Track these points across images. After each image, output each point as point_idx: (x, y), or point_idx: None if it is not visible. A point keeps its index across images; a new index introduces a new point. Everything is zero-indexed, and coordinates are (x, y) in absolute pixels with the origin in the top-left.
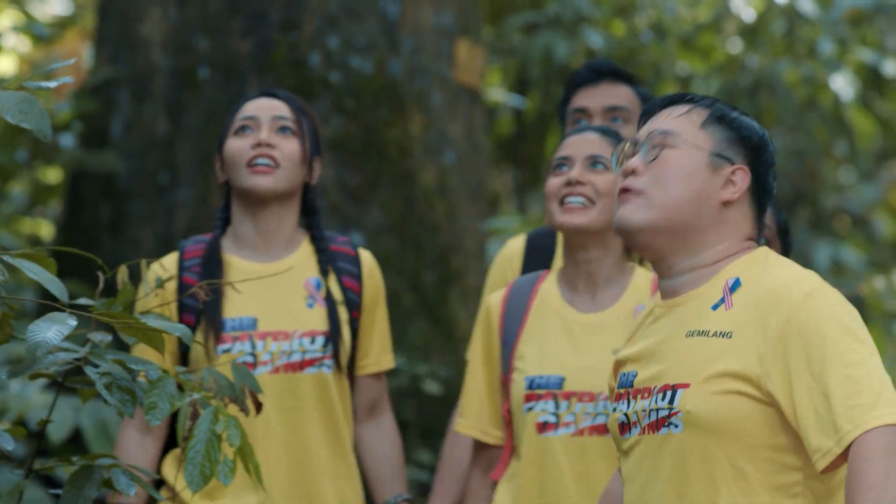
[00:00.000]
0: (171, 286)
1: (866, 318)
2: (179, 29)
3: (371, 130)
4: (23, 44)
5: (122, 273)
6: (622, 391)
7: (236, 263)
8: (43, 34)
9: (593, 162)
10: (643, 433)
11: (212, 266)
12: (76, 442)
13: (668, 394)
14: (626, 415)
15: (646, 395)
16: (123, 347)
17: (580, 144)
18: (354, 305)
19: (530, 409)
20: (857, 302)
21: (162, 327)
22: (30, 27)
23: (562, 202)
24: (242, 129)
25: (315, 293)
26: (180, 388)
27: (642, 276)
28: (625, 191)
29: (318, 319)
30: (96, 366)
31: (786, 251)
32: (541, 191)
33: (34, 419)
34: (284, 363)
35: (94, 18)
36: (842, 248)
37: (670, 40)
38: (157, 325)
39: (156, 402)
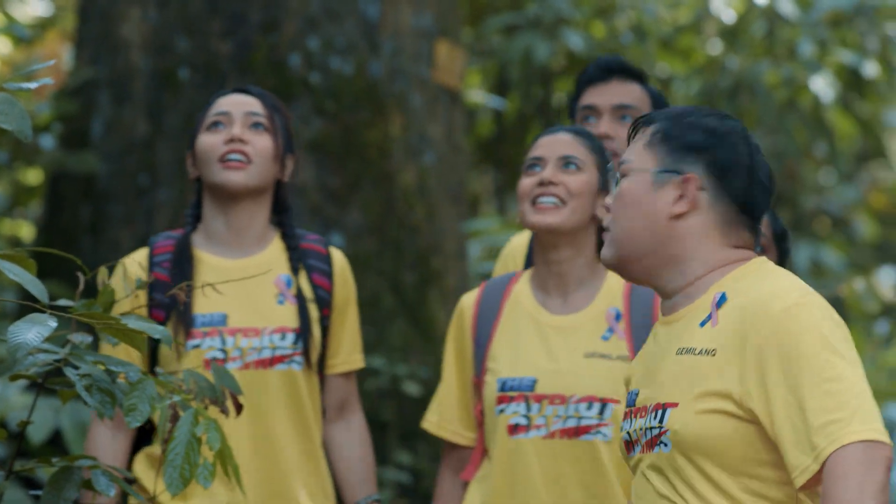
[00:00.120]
0: (140, 278)
1: (846, 320)
2: (159, 30)
3: (351, 132)
4: (3, 45)
5: (103, 274)
6: (627, 410)
7: (207, 260)
8: (23, 35)
9: (566, 162)
10: (643, 451)
11: (182, 262)
12: (56, 443)
13: (660, 413)
14: (628, 433)
15: (643, 413)
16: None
17: (553, 145)
18: (325, 303)
19: (502, 411)
20: (837, 303)
21: (142, 328)
22: (10, 28)
23: (534, 202)
24: (215, 124)
25: (286, 290)
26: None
27: (615, 278)
28: (604, 230)
29: (288, 316)
30: (76, 367)
31: (783, 257)
32: None
33: (14, 420)
34: (255, 360)
35: (75, 20)
36: (822, 249)
37: (650, 42)
38: (137, 326)
39: (136, 404)
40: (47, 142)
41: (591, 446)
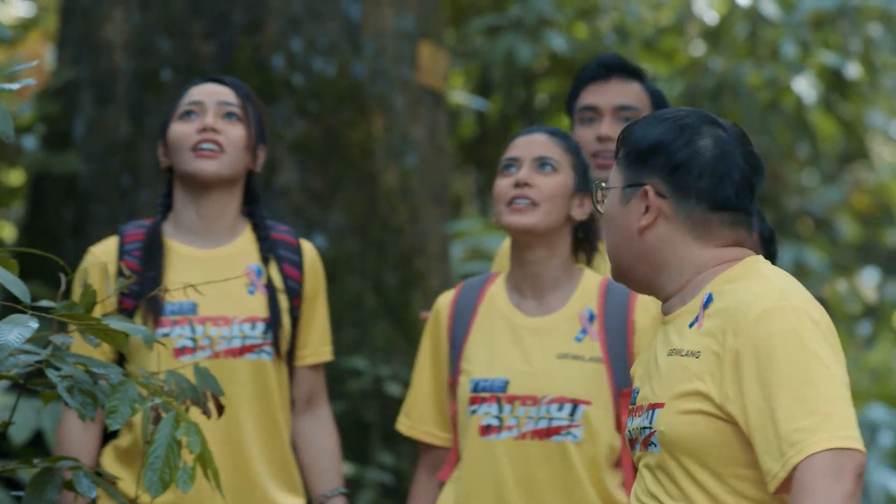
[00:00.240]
0: (111, 270)
1: None
2: (142, 31)
3: (333, 132)
4: None
5: (82, 274)
6: (630, 408)
7: (177, 249)
8: (5, 36)
9: (541, 163)
10: (641, 450)
11: (153, 251)
12: (38, 444)
13: (650, 413)
14: (630, 431)
15: (640, 412)
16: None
17: (528, 146)
18: (295, 294)
19: (474, 411)
20: (820, 304)
21: (123, 328)
22: None
23: (509, 203)
24: (188, 113)
25: (256, 280)
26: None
27: (591, 279)
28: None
29: (258, 306)
30: (58, 368)
31: (771, 260)
32: None
33: None
34: (224, 349)
35: (57, 20)
36: (804, 250)
37: (633, 43)
38: (119, 327)
39: (117, 406)
40: (30, 142)
41: (562, 447)
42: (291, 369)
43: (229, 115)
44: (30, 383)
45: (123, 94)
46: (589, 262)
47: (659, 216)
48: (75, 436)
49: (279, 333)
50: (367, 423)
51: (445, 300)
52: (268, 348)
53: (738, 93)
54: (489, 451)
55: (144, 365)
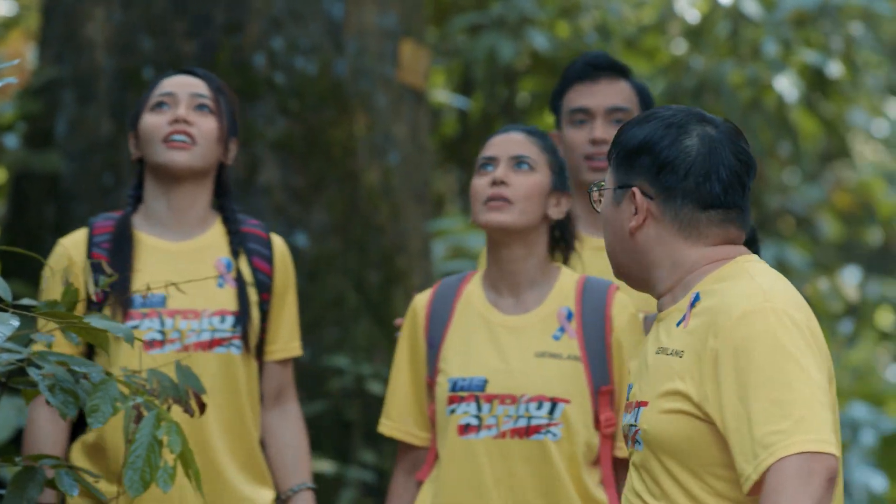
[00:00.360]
0: (81, 263)
1: None
2: (123, 30)
3: (315, 131)
4: None
5: (66, 273)
6: (626, 403)
7: (147, 241)
8: None
9: (518, 162)
10: (631, 447)
11: (122, 243)
12: (19, 443)
13: (636, 411)
14: (623, 427)
15: (630, 409)
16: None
17: (505, 144)
18: (265, 287)
19: (453, 411)
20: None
21: (105, 327)
22: None
23: (486, 201)
24: (159, 105)
25: (225, 273)
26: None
27: (568, 278)
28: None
29: (228, 299)
30: (40, 367)
31: None
32: None
33: None
34: (194, 342)
35: (39, 19)
36: (786, 248)
37: (615, 41)
38: (101, 325)
39: (98, 404)
40: (11, 141)
41: (542, 446)
42: (261, 364)
43: (201, 106)
44: (11, 381)
45: (105, 93)
46: (566, 261)
47: (648, 217)
48: (46, 432)
49: (248, 327)
50: (348, 421)
51: (422, 300)
52: (237, 342)
53: (720, 91)
54: (468, 450)
55: (114, 357)
